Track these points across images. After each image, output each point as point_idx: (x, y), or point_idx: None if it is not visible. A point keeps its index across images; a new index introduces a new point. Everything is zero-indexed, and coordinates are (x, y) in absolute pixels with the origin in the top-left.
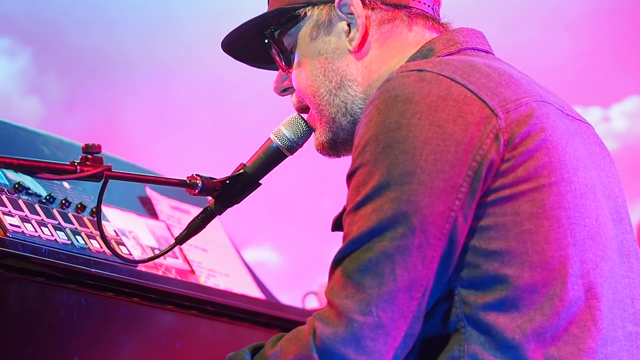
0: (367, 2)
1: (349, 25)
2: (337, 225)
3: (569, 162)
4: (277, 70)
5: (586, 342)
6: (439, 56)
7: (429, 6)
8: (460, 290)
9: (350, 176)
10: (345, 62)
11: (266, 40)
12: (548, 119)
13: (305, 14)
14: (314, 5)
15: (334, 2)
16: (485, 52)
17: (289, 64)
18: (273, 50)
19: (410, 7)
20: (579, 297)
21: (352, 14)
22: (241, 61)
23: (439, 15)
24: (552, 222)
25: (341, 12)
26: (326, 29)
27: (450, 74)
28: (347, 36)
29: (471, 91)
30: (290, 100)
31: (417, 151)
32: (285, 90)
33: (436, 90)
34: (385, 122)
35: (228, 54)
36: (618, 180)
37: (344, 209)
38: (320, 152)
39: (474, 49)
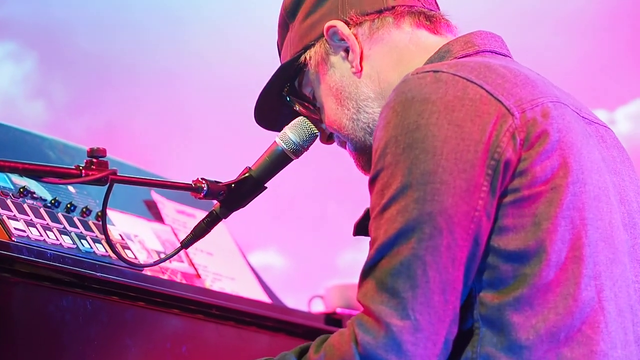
0: (350, 21)
1: (346, 50)
2: (360, 229)
3: (584, 164)
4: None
5: (599, 343)
6: (456, 57)
7: None
8: (478, 291)
9: (373, 180)
10: (354, 85)
11: (288, 99)
12: (564, 119)
13: (307, 59)
14: (310, 47)
15: (324, 36)
16: (504, 55)
17: (318, 112)
18: (297, 106)
19: (393, 7)
20: (592, 298)
21: (343, 39)
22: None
23: (430, 5)
24: (568, 222)
25: (334, 41)
26: (326, 63)
27: (466, 74)
28: (347, 60)
29: (487, 91)
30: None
31: (438, 150)
32: (329, 137)
33: (452, 90)
34: (403, 123)
35: (269, 129)
36: (637, 184)
37: (365, 213)
38: (365, 175)
39: (491, 52)
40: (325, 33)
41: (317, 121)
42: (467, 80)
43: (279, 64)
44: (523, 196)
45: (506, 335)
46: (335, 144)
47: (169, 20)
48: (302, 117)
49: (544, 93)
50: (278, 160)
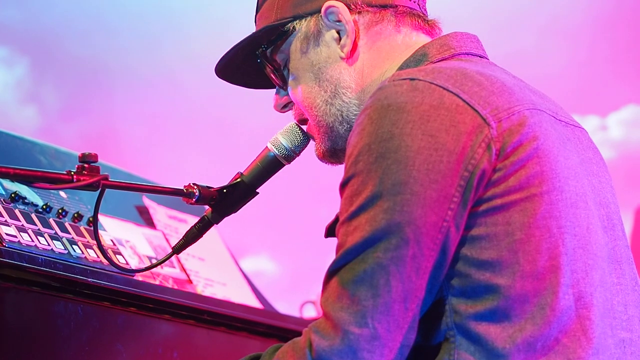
0: (352, 7)
1: (338, 32)
2: (331, 232)
3: (561, 171)
4: (274, 88)
5: (576, 351)
6: (432, 62)
7: (414, 2)
8: (451, 299)
9: (343, 185)
10: (338, 70)
11: (259, 60)
12: (540, 127)
13: (294, 28)
14: (301, 18)
15: (320, 12)
16: (480, 56)
17: (285, 80)
18: (267, 68)
19: (397, 6)
20: (570, 307)
21: (340, 21)
22: (238, 84)
23: (425, 11)
24: (544, 232)
25: (329, 20)
26: (316, 39)
27: (443, 82)
28: (338, 44)
29: (463, 100)
30: (292, 114)
31: (410, 161)
32: (285, 106)
33: (428, 100)
34: (377, 132)
35: (223, 79)
36: (611, 185)
37: (337, 218)
38: (321, 161)
39: (467, 54)
40: (323, 10)
41: (280, 88)
42: (444, 88)
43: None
44: (496, 205)
45: (482, 345)
46: (288, 113)
47: (164, 24)
48: (293, 123)
49: (520, 100)
50: (270, 166)
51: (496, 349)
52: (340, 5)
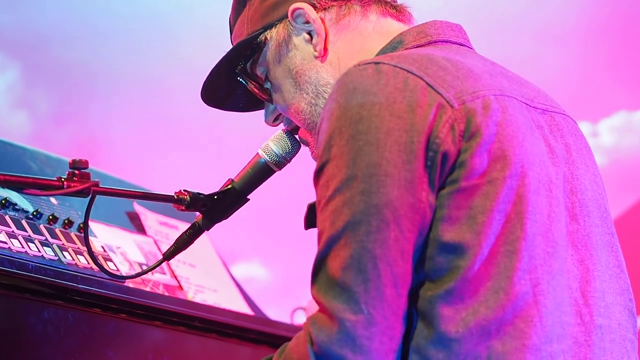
0: (317, 4)
1: (309, 33)
2: (309, 223)
3: (525, 157)
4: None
5: (531, 337)
6: (407, 48)
7: None
8: (415, 283)
9: (318, 173)
10: (315, 70)
11: (239, 78)
12: (505, 112)
13: (266, 38)
14: (271, 27)
15: (287, 17)
16: (460, 44)
17: (269, 93)
18: (249, 85)
19: None
20: (526, 292)
21: (308, 22)
22: (230, 110)
23: None
24: (502, 216)
25: (297, 23)
26: (287, 45)
27: (407, 66)
28: (311, 44)
29: (427, 83)
30: (283, 125)
31: (381, 142)
32: (276, 119)
33: (393, 82)
34: (346, 115)
35: (214, 106)
36: (594, 173)
37: (309, 207)
38: None
39: (445, 42)
40: (290, 15)
41: (267, 101)
42: (408, 71)
43: None
44: (460, 188)
45: (435, 328)
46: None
47: (156, 30)
48: (282, 130)
49: (487, 86)
50: (261, 172)
51: (448, 332)
52: (305, 5)
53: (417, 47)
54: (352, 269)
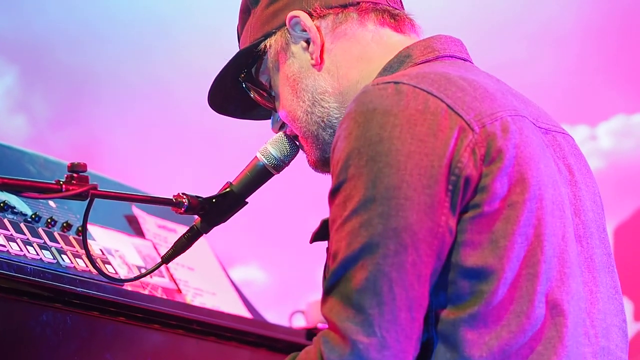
0: (313, 13)
1: (307, 41)
2: (317, 238)
3: (541, 178)
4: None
5: (550, 358)
6: (416, 63)
7: None
8: (435, 306)
9: (334, 192)
10: (312, 78)
11: (244, 85)
12: (522, 133)
13: (266, 46)
14: (271, 35)
15: (285, 26)
16: (463, 59)
17: (273, 100)
18: (253, 93)
19: (359, 3)
20: (544, 315)
21: (305, 30)
22: (240, 118)
23: (395, 4)
24: (524, 240)
25: (295, 31)
26: (285, 53)
27: (427, 87)
28: (308, 52)
29: (448, 105)
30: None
31: (402, 165)
32: (281, 127)
33: (414, 104)
34: (366, 135)
35: (223, 114)
36: (594, 192)
37: (322, 224)
38: (315, 171)
39: (451, 57)
40: (287, 22)
41: (272, 109)
42: (428, 93)
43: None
44: (482, 212)
45: (459, 352)
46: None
47: (156, 33)
48: (282, 133)
49: (503, 106)
50: (259, 175)
51: (472, 356)
52: (302, 13)
53: (425, 62)
54: (368, 292)
